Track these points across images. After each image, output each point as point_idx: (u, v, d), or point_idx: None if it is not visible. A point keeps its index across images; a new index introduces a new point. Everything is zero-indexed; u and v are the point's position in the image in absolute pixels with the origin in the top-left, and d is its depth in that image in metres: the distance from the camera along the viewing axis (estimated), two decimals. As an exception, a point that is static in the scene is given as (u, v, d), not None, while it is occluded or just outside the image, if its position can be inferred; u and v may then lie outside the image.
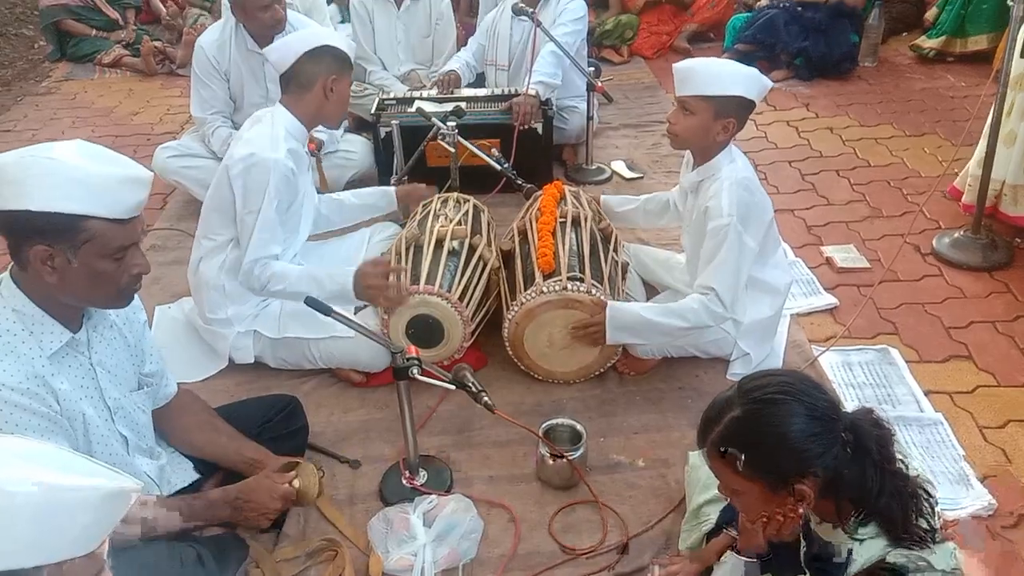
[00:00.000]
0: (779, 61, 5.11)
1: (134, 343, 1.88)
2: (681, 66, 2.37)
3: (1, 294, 1.61)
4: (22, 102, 5.31)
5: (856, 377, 2.62)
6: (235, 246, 2.57)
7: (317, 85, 2.51)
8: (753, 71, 2.38)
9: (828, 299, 3.00)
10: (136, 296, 1.90)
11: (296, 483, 1.91)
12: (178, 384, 2.08)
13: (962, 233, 3.21)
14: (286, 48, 2.54)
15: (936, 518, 1.49)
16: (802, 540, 1.58)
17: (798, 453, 1.43)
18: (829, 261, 3.23)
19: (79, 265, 1.56)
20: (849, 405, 2.21)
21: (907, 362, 2.67)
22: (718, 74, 2.33)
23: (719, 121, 2.35)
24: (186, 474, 2.03)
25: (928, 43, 5.22)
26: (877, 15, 5.15)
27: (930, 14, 5.33)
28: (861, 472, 1.44)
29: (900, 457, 1.50)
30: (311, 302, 2.04)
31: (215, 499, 1.88)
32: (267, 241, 2.48)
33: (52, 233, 1.52)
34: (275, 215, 2.47)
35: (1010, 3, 2.82)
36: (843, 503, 1.47)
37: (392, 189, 3.15)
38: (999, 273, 3.08)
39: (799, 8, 5.11)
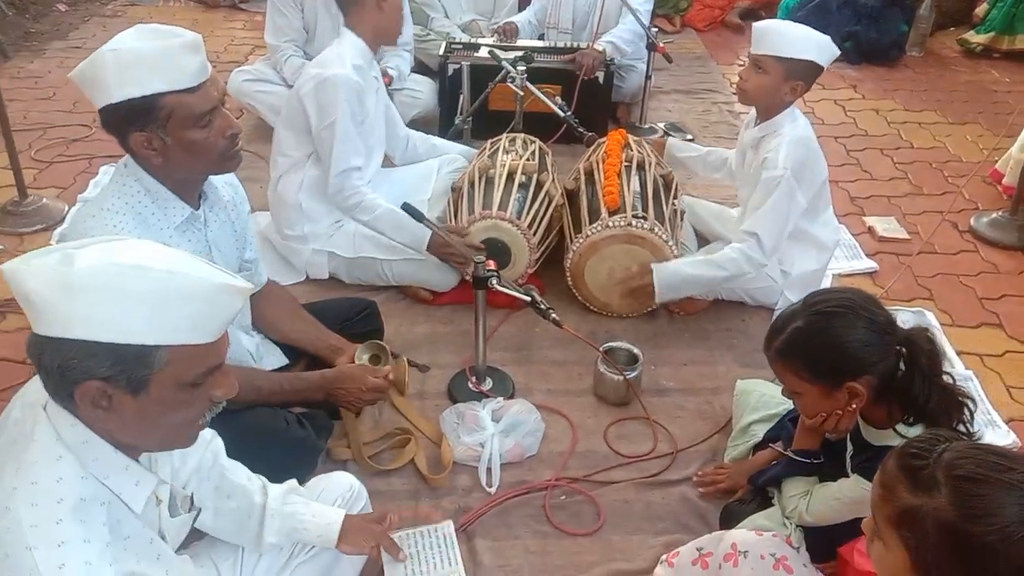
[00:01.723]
0: (829, 43, 5.21)
1: (240, 229, 2.03)
2: (760, 25, 2.52)
3: (130, 171, 1.74)
4: (89, 22, 5.47)
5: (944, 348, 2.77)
6: (313, 163, 2.73)
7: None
8: (826, 38, 2.52)
9: (868, 263, 3.16)
10: (242, 187, 2.08)
11: (391, 376, 2.08)
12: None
13: (1000, 214, 3.36)
14: None
15: (973, 426, 1.65)
16: (849, 445, 1.76)
17: (852, 360, 1.60)
18: (871, 230, 3.38)
19: (173, 141, 1.66)
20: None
21: (941, 325, 2.83)
22: (794, 37, 2.47)
23: (788, 82, 2.49)
24: (276, 358, 2.20)
25: (976, 38, 5.33)
26: (928, 6, 5.25)
27: (980, 10, 5.43)
28: (911, 382, 1.61)
29: (948, 371, 1.67)
30: (407, 208, 2.21)
31: (314, 379, 2.04)
32: (348, 153, 2.63)
33: (138, 118, 1.63)
34: (351, 126, 2.62)
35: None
36: (893, 408, 1.65)
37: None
38: (1033, 254, 3.24)
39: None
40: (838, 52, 2.57)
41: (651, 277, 2.60)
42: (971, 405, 1.67)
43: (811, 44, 2.46)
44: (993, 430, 2.38)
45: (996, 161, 3.65)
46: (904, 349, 1.64)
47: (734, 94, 4.11)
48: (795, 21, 5.24)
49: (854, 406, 1.65)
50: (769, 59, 2.47)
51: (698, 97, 4.57)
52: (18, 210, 3.18)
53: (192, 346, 1.13)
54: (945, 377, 1.67)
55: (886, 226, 3.39)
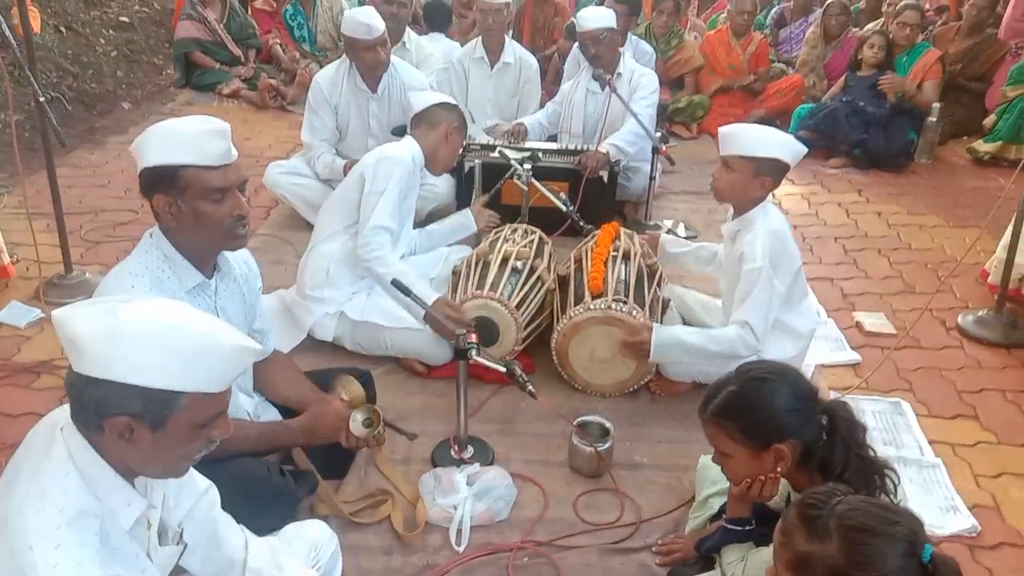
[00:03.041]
0: (838, 150, 5.46)
1: (250, 302, 2.28)
2: (725, 129, 2.75)
3: (153, 240, 2.02)
4: (148, 119, 5.96)
5: (867, 423, 2.86)
6: (350, 238, 3.04)
7: (442, 126, 3.18)
8: (789, 137, 2.74)
9: (852, 355, 3.28)
10: (256, 265, 2.33)
11: (344, 396, 2.30)
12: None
13: (986, 312, 3.47)
14: (427, 95, 3.39)
15: (897, 496, 1.76)
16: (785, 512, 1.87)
17: (779, 423, 1.75)
18: (858, 324, 3.51)
19: (186, 208, 1.93)
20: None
21: (917, 415, 2.92)
22: (757, 137, 2.69)
23: (757, 179, 2.69)
24: (274, 417, 2.41)
25: (984, 147, 5.51)
26: (936, 116, 5.46)
27: (988, 120, 5.62)
28: (831, 449, 1.74)
29: (869, 444, 1.80)
30: (396, 284, 2.44)
31: (292, 425, 2.25)
32: (387, 215, 2.99)
33: (162, 183, 1.91)
34: (396, 197, 3.00)
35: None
36: (814, 475, 1.77)
37: (468, 210, 3.65)
38: (1017, 351, 3.32)
39: (861, 103, 5.47)
40: (804, 149, 2.76)
41: (649, 334, 2.75)
42: (894, 477, 1.79)
43: (774, 143, 2.67)
44: (955, 514, 2.45)
45: (986, 261, 3.77)
46: (825, 419, 1.78)
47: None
48: (807, 128, 5.57)
49: (779, 469, 1.78)
50: (736, 159, 2.68)
51: (705, 198, 4.78)
52: (62, 283, 3.50)
53: (208, 394, 1.37)
54: (867, 449, 1.80)
55: (873, 321, 3.51)
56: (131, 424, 1.33)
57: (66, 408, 1.40)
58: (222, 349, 1.36)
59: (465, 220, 3.61)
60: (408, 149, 3.16)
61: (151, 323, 1.32)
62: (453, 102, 3.37)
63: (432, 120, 3.21)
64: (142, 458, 1.38)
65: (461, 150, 3.83)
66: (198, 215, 1.94)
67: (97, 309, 1.34)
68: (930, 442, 2.79)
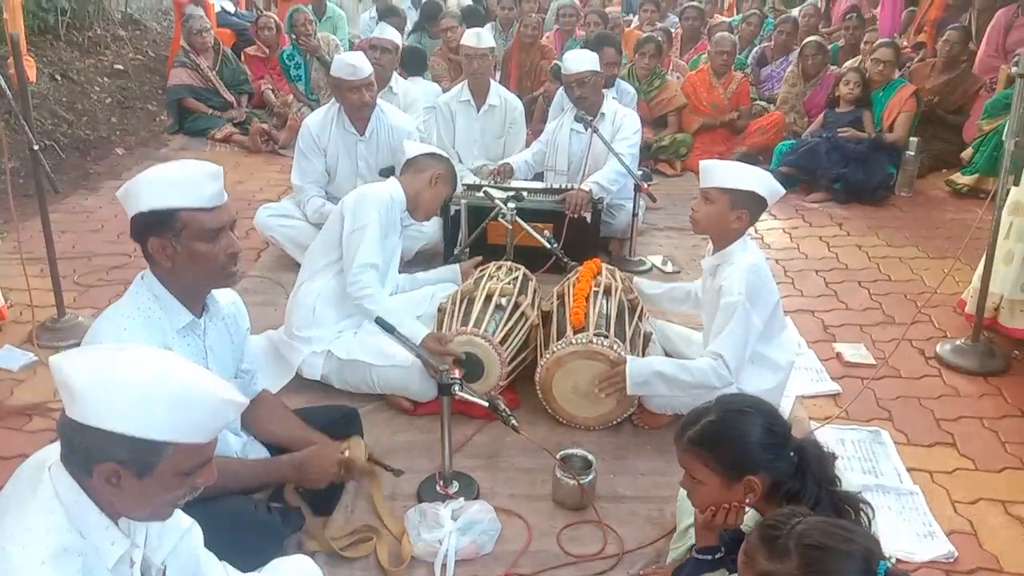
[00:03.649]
0: (819, 184, 5.57)
1: (238, 342, 2.34)
2: (706, 162, 2.85)
3: (145, 283, 2.09)
4: (143, 164, 6.05)
5: (846, 451, 2.93)
6: (334, 275, 3.11)
7: (428, 172, 3.29)
8: (767, 174, 2.83)
9: (832, 386, 3.33)
10: (244, 306, 2.39)
11: (347, 452, 2.34)
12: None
13: (963, 341, 3.53)
14: (421, 145, 3.54)
15: (871, 528, 1.81)
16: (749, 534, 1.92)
17: (753, 455, 1.81)
18: (839, 355, 3.57)
19: (183, 249, 1.99)
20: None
21: (895, 444, 2.97)
22: (736, 171, 2.79)
23: (734, 211, 2.78)
24: (262, 455, 2.45)
25: (962, 179, 5.63)
26: (915, 150, 5.58)
27: (966, 153, 5.75)
28: (802, 484, 1.80)
29: (838, 477, 1.86)
30: (380, 322, 2.50)
31: (284, 460, 2.29)
32: (371, 252, 3.05)
33: (159, 226, 1.98)
34: (379, 233, 3.06)
35: (1004, 140, 3.24)
36: (782, 506, 1.81)
37: (458, 266, 3.73)
38: (994, 379, 3.38)
39: (841, 139, 5.59)
40: (782, 190, 2.86)
41: (623, 368, 2.80)
42: (868, 511, 1.84)
43: (751, 177, 2.77)
44: (932, 540, 2.49)
45: (964, 291, 3.85)
46: (796, 456, 1.84)
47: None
48: (787, 164, 5.69)
49: (748, 500, 1.83)
50: (715, 191, 2.77)
51: (689, 234, 4.84)
52: (55, 326, 3.56)
53: (194, 444, 1.43)
54: (838, 483, 1.85)
55: (854, 352, 3.58)
56: (118, 470, 1.38)
57: (55, 447, 1.45)
58: (210, 402, 1.42)
59: (452, 276, 3.68)
60: (388, 189, 3.25)
61: (144, 374, 1.38)
62: (445, 155, 3.48)
63: (420, 166, 3.31)
64: (128, 502, 1.44)
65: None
66: (194, 255, 2.01)
67: (95, 357, 1.41)
68: (908, 470, 2.83)
